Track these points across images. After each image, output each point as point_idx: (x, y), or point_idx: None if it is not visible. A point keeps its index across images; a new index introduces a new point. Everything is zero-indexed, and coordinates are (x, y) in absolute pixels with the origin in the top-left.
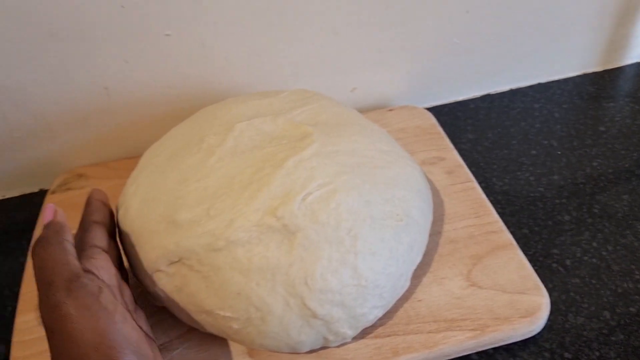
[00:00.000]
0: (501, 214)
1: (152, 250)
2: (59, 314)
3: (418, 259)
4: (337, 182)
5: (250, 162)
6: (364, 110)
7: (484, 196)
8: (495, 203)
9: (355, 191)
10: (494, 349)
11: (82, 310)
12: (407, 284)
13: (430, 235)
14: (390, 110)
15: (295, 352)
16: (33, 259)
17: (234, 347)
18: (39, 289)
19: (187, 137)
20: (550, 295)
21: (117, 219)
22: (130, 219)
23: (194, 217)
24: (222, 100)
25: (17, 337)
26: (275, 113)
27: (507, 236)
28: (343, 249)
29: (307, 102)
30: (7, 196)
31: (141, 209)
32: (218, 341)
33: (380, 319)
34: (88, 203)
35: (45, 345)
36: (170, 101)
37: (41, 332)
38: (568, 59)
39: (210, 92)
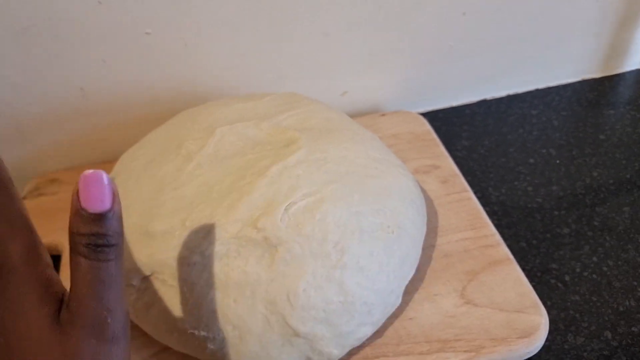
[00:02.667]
0: (497, 226)
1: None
2: None
3: (410, 273)
4: (324, 191)
5: (231, 170)
6: (355, 115)
7: (480, 207)
8: (491, 214)
9: (344, 201)
10: None
11: None
12: (398, 301)
13: (423, 248)
14: (383, 115)
15: None
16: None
17: None
18: None
19: (165, 142)
20: (549, 313)
21: None
22: None
23: (169, 228)
24: (204, 104)
25: None
26: (260, 117)
27: (505, 250)
28: (329, 264)
29: (295, 106)
30: None
31: None
32: None
33: (368, 338)
34: None
35: None
36: (150, 103)
37: None
38: (567, 64)
39: (191, 94)
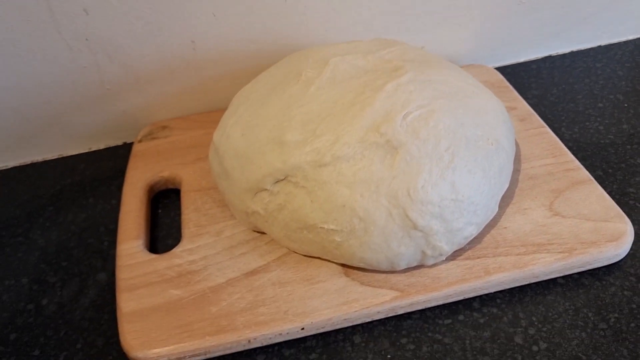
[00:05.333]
0: None
1: (258, 170)
2: None
3: (506, 184)
4: (434, 104)
5: (350, 89)
6: None
7: (558, 139)
8: None
9: (451, 113)
10: (579, 273)
11: None
12: (496, 208)
13: None
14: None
15: (392, 270)
16: None
17: (330, 267)
18: None
19: (282, 75)
20: None
21: (213, 149)
22: (234, 144)
23: (301, 137)
24: (306, 49)
25: (121, 262)
26: (364, 52)
27: (586, 173)
28: (442, 165)
29: (391, 45)
30: (94, 149)
31: (245, 135)
32: (314, 262)
33: (469, 243)
34: None
35: (148, 268)
36: (251, 56)
37: (142, 257)
38: (629, 21)
39: (290, 46)
